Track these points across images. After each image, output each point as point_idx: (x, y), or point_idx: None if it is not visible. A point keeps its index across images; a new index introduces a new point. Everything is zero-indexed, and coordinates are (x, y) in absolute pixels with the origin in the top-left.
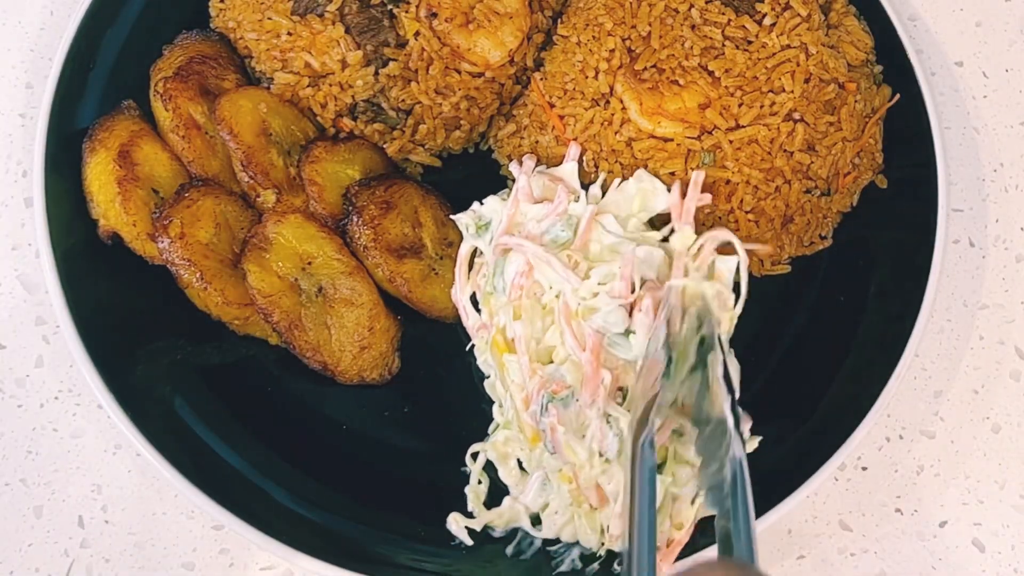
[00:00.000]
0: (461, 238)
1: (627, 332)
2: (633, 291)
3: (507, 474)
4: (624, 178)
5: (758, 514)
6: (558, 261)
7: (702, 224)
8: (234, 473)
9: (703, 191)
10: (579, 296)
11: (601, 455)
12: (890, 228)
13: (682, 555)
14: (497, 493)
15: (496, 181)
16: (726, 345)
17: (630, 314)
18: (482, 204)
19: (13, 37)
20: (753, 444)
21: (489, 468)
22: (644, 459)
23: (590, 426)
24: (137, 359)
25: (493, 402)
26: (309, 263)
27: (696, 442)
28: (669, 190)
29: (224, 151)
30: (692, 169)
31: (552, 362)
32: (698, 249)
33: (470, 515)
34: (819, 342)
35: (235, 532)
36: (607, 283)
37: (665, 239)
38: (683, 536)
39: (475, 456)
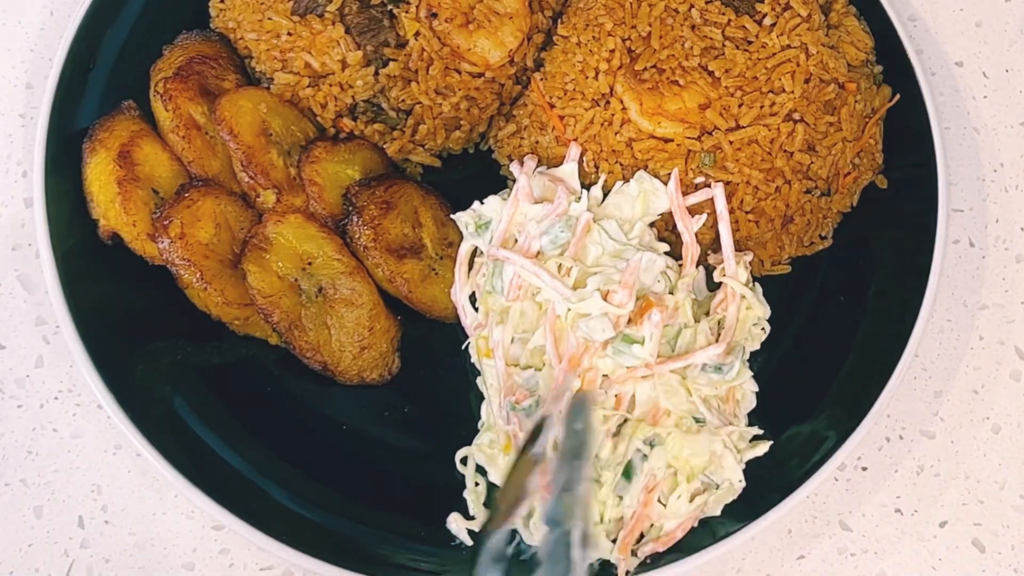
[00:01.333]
0: (461, 238)
1: (629, 339)
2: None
3: (498, 475)
4: (624, 179)
5: (759, 514)
6: (546, 272)
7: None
8: (234, 473)
9: (701, 190)
10: (569, 303)
11: None
12: (890, 228)
13: (680, 554)
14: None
15: (496, 181)
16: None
17: (628, 323)
18: (483, 203)
19: (13, 37)
20: (764, 448)
21: (484, 469)
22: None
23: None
24: (137, 359)
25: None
26: (309, 263)
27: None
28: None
29: (224, 151)
30: (692, 169)
31: (531, 367)
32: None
33: (471, 516)
34: (819, 342)
35: (235, 532)
36: (606, 290)
37: (668, 252)
38: (675, 530)
39: (464, 461)
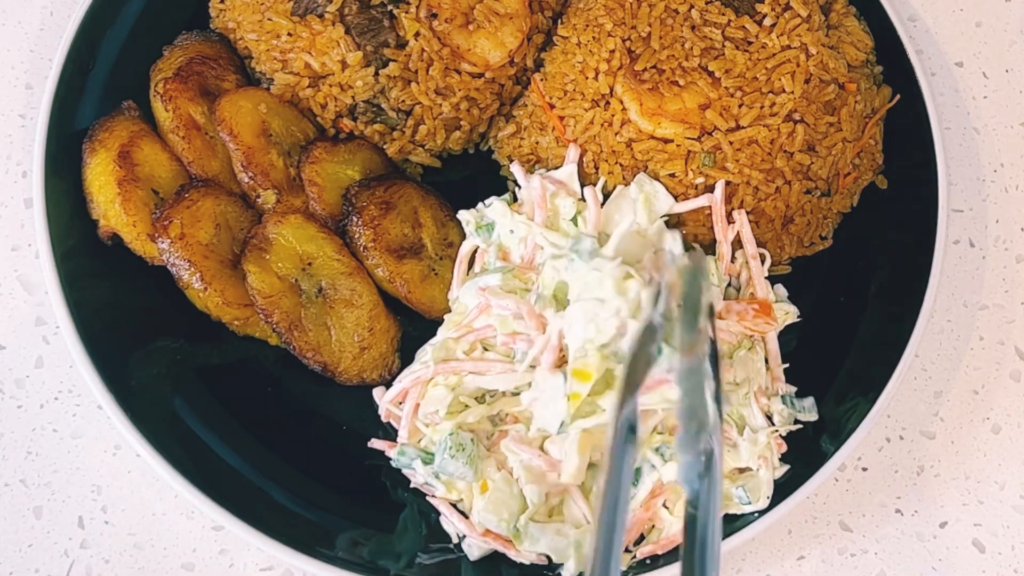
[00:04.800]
0: (461, 238)
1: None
2: None
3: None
4: (624, 179)
5: (760, 514)
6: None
7: (701, 224)
8: (234, 473)
9: (700, 195)
10: None
11: None
12: (890, 228)
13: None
14: None
15: (496, 182)
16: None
17: None
18: (487, 205)
19: (13, 37)
20: (783, 468)
21: None
22: (620, 444)
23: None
24: (137, 359)
25: None
26: (309, 264)
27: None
28: (670, 192)
29: (224, 152)
30: (692, 170)
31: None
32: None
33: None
34: (819, 342)
35: (235, 532)
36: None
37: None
38: (677, 535)
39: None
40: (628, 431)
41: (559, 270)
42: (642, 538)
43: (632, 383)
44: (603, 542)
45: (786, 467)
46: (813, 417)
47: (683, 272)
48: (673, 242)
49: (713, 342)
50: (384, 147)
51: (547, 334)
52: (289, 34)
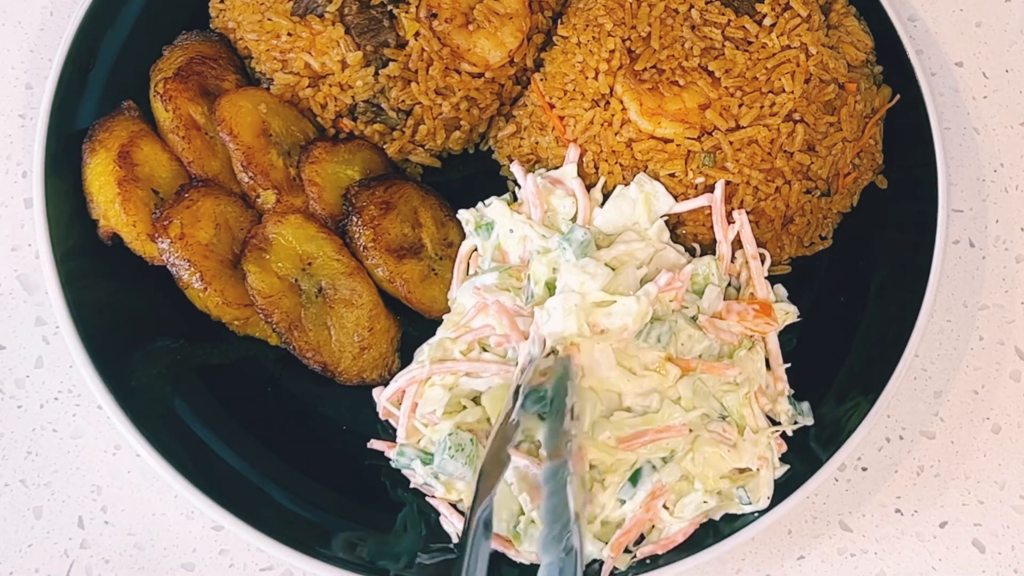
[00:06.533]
0: (461, 238)
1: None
2: None
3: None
4: (624, 179)
5: (760, 514)
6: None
7: (701, 224)
8: (234, 473)
9: (700, 194)
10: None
11: None
12: (890, 228)
13: (680, 554)
14: None
15: (496, 181)
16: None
17: None
18: (487, 204)
19: (13, 37)
20: (783, 469)
21: None
22: (477, 539)
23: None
24: (137, 359)
25: None
26: (309, 264)
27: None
28: (670, 192)
29: (224, 152)
30: (692, 170)
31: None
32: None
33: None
34: (819, 342)
35: (235, 532)
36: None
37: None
38: (677, 535)
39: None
40: (484, 527)
41: (549, 261)
42: (642, 538)
43: (487, 486)
44: None
45: (786, 467)
46: (809, 421)
47: (551, 375)
48: (533, 346)
49: (573, 438)
50: (384, 147)
51: (530, 338)
52: (289, 34)
